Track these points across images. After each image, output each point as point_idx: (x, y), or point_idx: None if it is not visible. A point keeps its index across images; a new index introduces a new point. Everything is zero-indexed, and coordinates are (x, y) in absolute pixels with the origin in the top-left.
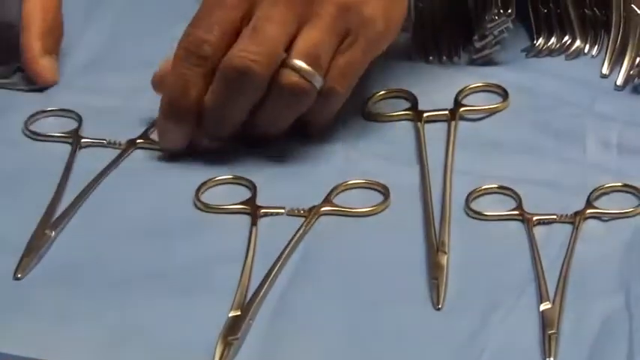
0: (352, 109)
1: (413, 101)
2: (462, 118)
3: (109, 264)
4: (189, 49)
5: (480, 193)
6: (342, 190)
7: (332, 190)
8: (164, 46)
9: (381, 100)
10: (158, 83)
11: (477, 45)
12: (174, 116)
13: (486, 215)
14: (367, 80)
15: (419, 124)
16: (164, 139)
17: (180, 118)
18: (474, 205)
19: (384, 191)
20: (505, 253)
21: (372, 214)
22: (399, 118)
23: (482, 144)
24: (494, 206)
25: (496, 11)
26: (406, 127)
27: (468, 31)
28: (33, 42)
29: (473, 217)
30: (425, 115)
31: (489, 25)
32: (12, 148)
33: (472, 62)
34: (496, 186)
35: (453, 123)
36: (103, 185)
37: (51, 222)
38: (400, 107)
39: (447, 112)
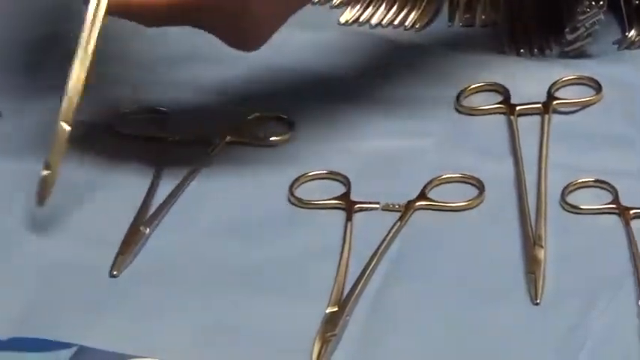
0: (445, 103)
1: (505, 94)
2: (555, 112)
3: (203, 260)
4: None
5: (576, 186)
6: (437, 185)
7: (426, 185)
8: None
9: (473, 93)
10: None
11: (569, 37)
12: None
13: (582, 209)
14: (459, 74)
15: (512, 117)
16: None
17: None
18: (569, 199)
19: (479, 185)
20: (602, 247)
21: (467, 209)
22: (492, 112)
23: (577, 137)
24: (590, 200)
25: (588, 3)
26: (499, 120)
27: (559, 23)
28: None
29: (569, 211)
30: (518, 108)
31: (581, 17)
32: (105, 146)
33: (564, 55)
34: (592, 179)
35: (546, 116)
36: (195, 181)
37: (145, 219)
38: (493, 101)
39: (539, 105)
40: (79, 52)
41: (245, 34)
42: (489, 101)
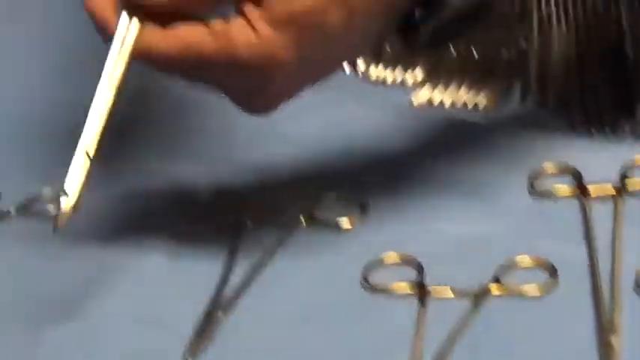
0: (517, 186)
1: (578, 177)
2: (629, 194)
3: (277, 347)
4: None
5: None
6: (510, 270)
7: (499, 270)
8: (325, 125)
9: (545, 176)
10: None
11: None
12: None
13: None
14: (531, 155)
15: (584, 200)
16: None
17: None
18: None
19: (552, 271)
20: None
21: (540, 295)
22: (564, 195)
23: None
24: None
25: None
26: (572, 203)
27: (631, 102)
28: None
29: None
30: (590, 190)
31: None
32: (178, 229)
33: (636, 135)
34: None
35: (619, 199)
36: (269, 265)
37: (220, 303)
38: (565, 183)
39: (613, 187)
40: (104, 81)
41: (261, 99)
42: (562, 184)
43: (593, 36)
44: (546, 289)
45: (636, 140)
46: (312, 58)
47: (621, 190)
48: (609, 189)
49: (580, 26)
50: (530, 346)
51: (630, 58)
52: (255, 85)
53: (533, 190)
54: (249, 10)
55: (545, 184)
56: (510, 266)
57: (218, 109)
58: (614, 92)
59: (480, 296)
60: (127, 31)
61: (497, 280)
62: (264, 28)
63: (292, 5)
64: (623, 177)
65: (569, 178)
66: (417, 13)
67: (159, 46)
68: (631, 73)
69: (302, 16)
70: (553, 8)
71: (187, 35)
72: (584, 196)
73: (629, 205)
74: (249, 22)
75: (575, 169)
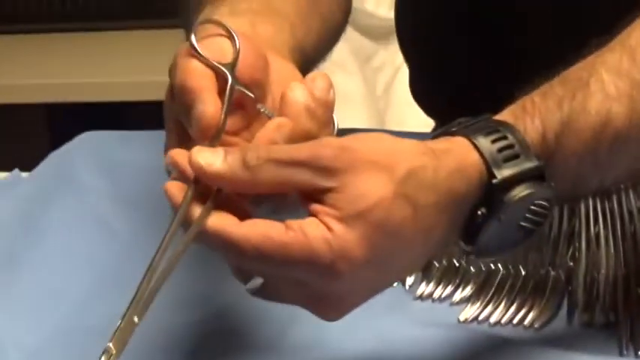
0: None
1: None
2: None
3: None
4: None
5: None
6: None
7: None
8: (371, 339)
9: None
10: None
11: None
12: None
13: None
14: None
15: None
16: None
17: None
18: None
19: None
20: None
21: None
22: None
23: None
24: None
25: None
26: None
27: None
28: None
29: None
30: None
31: None
32: None
33: None
34: None
35: None
36: None
37: None
38: None
39: None
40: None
41: (332, 301)
42: None
43: None
44: None
45: None
46: (382, 258)
47: None
48: None
49: (628, 247)
50: None
51: None
52: (328, 283)
53: None
54: (318, 209)
55: None
56: None
57: (266, 317)
58: None
59: None
60: (194, 213)
61: None
62: (336, 225)
63: (359, 202)
64: None
65: None
66: (480, 212)
67: (234, 232)
68: None
69: (369, 212)
70: (601, 229)
71: (265, 226)
72: None
73: None
74: (321, 220)
75: None
